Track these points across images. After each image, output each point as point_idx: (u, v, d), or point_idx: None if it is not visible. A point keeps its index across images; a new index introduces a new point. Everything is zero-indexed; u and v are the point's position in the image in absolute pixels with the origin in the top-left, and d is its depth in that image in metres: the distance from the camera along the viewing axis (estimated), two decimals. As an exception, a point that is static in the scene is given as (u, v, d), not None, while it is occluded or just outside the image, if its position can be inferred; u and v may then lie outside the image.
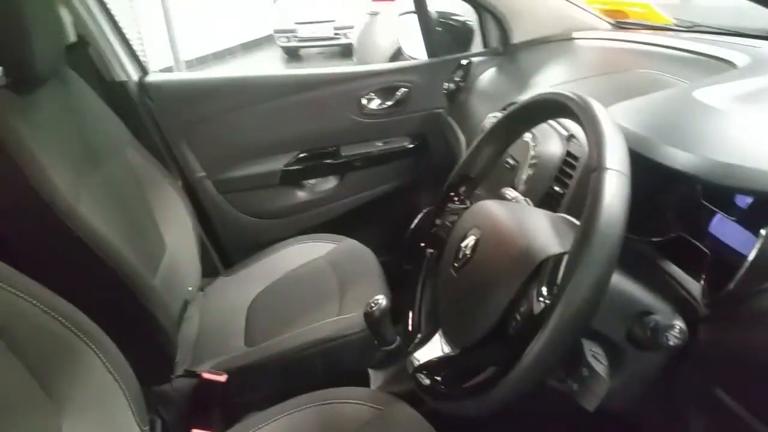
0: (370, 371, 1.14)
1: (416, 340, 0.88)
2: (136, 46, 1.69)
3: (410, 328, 0.92)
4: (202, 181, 1.75)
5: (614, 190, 0.57)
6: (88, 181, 1.18)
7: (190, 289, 1.50)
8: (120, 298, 1.10)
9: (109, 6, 1.59)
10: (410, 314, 0.94)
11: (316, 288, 1.44)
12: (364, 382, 1.21)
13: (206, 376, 1.18)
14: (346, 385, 1.06)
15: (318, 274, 1.50)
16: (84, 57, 1.54)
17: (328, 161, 1.86)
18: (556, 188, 0.97)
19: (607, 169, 0.58)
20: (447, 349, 0.82)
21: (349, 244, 1.61)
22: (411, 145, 1.90)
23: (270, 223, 1.86)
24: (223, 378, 1.17)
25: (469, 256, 0.76)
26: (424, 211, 1.90)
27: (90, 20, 1.55)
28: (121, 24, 1.64)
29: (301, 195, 1.88)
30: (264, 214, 1.85)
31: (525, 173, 1.06)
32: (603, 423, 0.76)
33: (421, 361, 0.83)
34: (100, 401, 0.85)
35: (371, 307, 1.04)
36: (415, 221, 1.85)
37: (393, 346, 1.06)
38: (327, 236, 1.66)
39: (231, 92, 1.72)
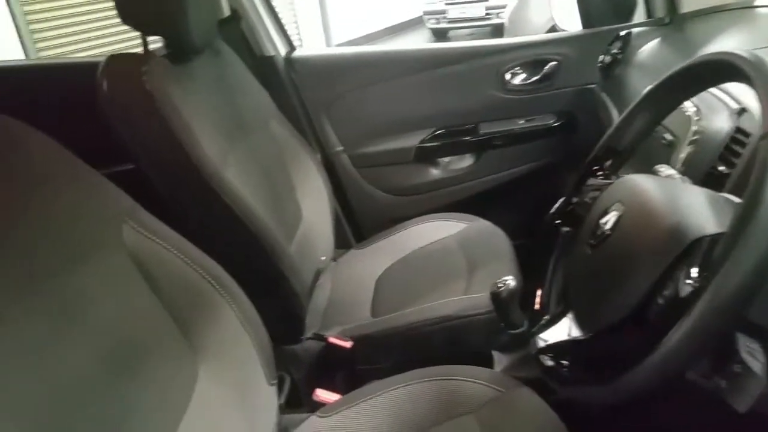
0: (495, 353, 1.10)
1: (543, 321, 0.83)
2: (291, 30, 1.75)
3: (537, 307, 0.86)
4: (340, 155, 1.79)
5: None
6: (234, 149, 1.25)
7: (323, 258, 1.55)
8: (257, 259, 1.15)
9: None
10: (539, 293, 0.88)
11: (444, 266, 1.42)
12: (486, 363, 1.17)
13: (333, 340, 1.20)
14: (467, 365, 1.03)
15: (447, 253, 1.47)
16: (236, 31, 1.63)
17: (465, 139, 1.80)
18: (721, 168, 0.84)
19: None
20: (576, 332, 0.76)
21: (482, 224, 1.56)
22: (556, 123, 1.78)
23: (403, 200, 1.85)
24: (348, 344, 1.20)
25: (608, 232, 0.69)
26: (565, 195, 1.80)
27: None
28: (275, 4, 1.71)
29: (436, 173, 1.85)
30: (397, 191, 1.85)
31: (684, 151, 0.94)
32: (749, 428, 0.66)
33: (548, 343, 0.78)
34: (233, 353, 0.89)
35: (499, 288, 1.00)
36: (556, 205, 1.76)
37: (520, 330, 1.02)
38: (459, 215, 1.62)
39: (372, 66, 1.72)
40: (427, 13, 8.58)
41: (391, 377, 1.01)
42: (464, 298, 1.25)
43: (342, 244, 1.74)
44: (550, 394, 0.93)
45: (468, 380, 0.97)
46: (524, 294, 1.00)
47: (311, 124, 1.75)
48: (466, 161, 1.85)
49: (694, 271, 0.55)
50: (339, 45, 8.31)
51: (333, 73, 1.73)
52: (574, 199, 0.90)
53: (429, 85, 1.71)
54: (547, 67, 1.71)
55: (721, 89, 0.94)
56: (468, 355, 1.07)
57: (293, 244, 1.37)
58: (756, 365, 0.54)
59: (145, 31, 1.13)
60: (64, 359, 0.66)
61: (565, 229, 0.91)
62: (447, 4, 8.30)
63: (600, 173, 0.87)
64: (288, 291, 1.21)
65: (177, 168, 1.08)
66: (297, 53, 1.71)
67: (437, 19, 8.50)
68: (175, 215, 1.00)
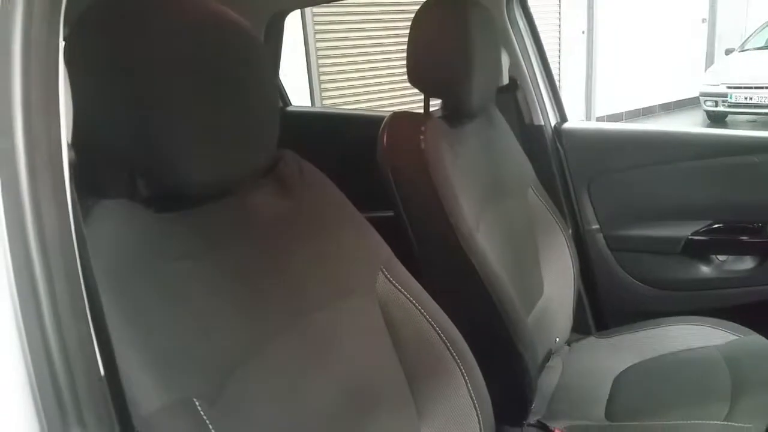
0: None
1: None
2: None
3: None
4: (595, 233, 1.69)
5: None
6: (488, 213, 1.25)
7: (557, 339, 1.45)
8: (494, 329, 1.12)
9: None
10: None
11: (702, 380, 1.23)
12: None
13: (558, 432, 1.11)
14: None
15: (707, 365, 1.27)
16: (510, 98, 1.66)
17: (747, 238, 1.57)
18: None
19: None
20: None
21: (756, 339, 1.33)
22: None
23: (661, 294, 1.67)
24: (577, 442, 1.09)
25: None
26: None
27: (525, 64, 1.66)
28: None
29: (705, 270, 1.63)
30: (655, 283, 1.67)
31: None
32: None
33: None
34: (457, 423, 0.87)
35: None
36: None
37: None
38: (728, 324, 1.40)
39: (644, 146, 1.62)
40: (704, 94, 7.88)
41: None
42: (724, 425, 1.05)
43: (581, 329, 1.62)
44: None
45: None
46: None
47: (569, 198, 1.68)
48: (746, 263, 1.60)
49: None
50: (598, 118, 8.08)
51: (602, 148, 1.66)
52: None
53: (711, 172, 1.54)
54: None
55: None
56: None
57: (530, 318, 1.32)
58: None
59: (429, 93, 1.20)
60: (311, 390, 0.69)
61: None
62: (729, 87, 7.53)
63: None
64: (520, 366, 1.16)
65: (434, 223, 1.12)
66: (567, 125, 1.67)
67: (716, 101, 7.75)
68: (421, 268, 1.03)
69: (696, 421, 1.07)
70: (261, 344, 0.65)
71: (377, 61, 5.62)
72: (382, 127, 1.17)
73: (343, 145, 1.46)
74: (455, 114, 1.26)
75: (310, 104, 5.11)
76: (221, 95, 0.61)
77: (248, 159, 0.67)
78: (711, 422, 1.07)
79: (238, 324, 0.63)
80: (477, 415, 0.87)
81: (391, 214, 1.17)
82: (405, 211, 1.16)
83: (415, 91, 1.22)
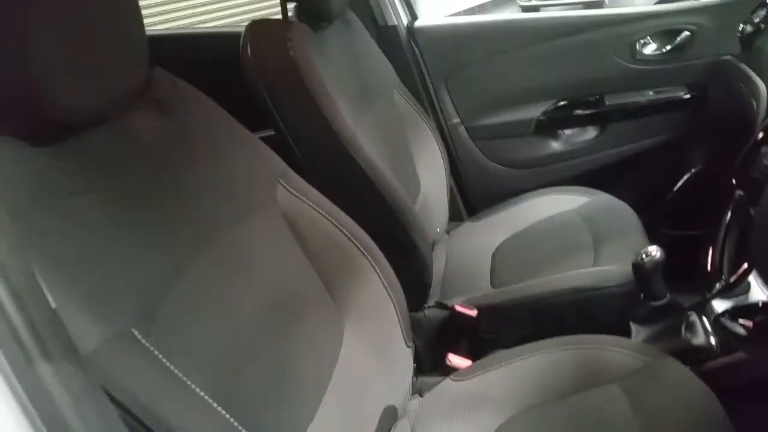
0: (633, 325, 1.07)
1: (720, 286, 0.80)
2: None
3: (710, 267, 0.84)
4: (456, 127, 1.77)
5: None
6: (362, 117, 1.27)
7: (438, 230, 1.55)
8: (388, 223, 1.17)
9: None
10: (710, 251, 0.86)
11: (567, 240, 1.39)
12: (622, 335, 1.14)
13: (459, 308, 1.21)
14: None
15: (569, 227, 1.44)
16: (363, 1, 1.64)
17: (589, 111, 1.75)
18: None
19: None
20: (760, 296, 0.74)
21: (605, 198, 1.52)
22: (687, 96, 1.69)
23: (520, 173, 1.82)
24: (473, 312, 1.20)
25: None
26: (692, 171, 1.72)
27: None
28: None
29: (556, 145, 1.80)
30: (515, 164, 1.82)
31: None
32: None
33: (725, 308, 0.76)
34: (376, 315, 0.92)
35: (642, 258, 0.97)
36: (681, 181, 1.68)
37: (662, 302, 0.99)
38: (580, 189, 1.58)
39: (495, 36, 1.69)
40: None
41: (529, 344, 1.01)
42: (596, 270, 1.22)
43: (455, 217, 1.74)
44: (694, 366, 0.91)
45: (611, 349, 0.95)
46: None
47: (429, 95, 1.74)
48: (589, 134, 1.79)
49: None
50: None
51: (455, 43, 1.71)
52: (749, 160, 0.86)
53: (554, 54, 1.66)
54: (680, 38, 1.62)
55: None
56: (599, 328, 1.05)
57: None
58: None
59: None
60: (238, 305, 0.70)
61: (739, 192, 0.87)
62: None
63: None
64: (416, 255, 1.23)
65: (316, 132, 1.12)
66: (419, 23, 1.70)
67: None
68: (314, 178, 1.04)
69: (569, 272, 1.23)
70: (180, 268, 0.64)
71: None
72: (242, 39, 1.11)
73: (199, 69, 1.38)
74: (313, 18, 1.23)
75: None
76: (82, 18, 0.59)
77: (118, 80, 0.66)
78: (582, 270, 1.23)
79: (154, 251, 0.63)
80: (393, 303, 0.93)
81: (270, 133, 1.14)
82: (284, 124, 1.13)
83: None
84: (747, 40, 1.54)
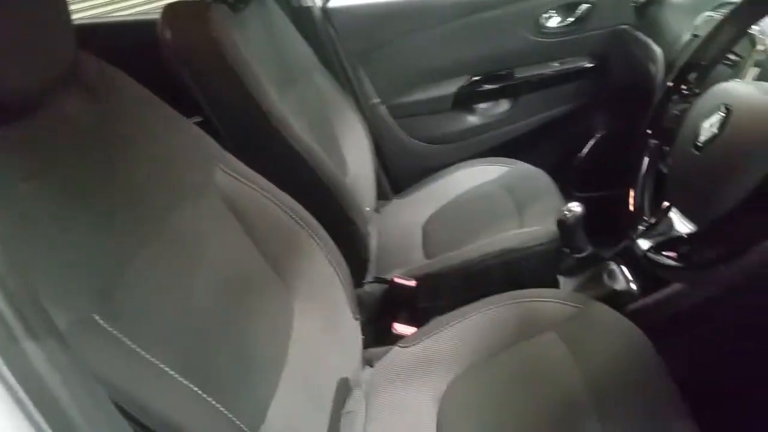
0: (560, 278, 1.15)
1: (642, 226, 0.89)
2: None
3: (632, 208, 0.93)
4: (377, 106, 1.80)
5: None
6: (286, 98, 1.26)
7: (367, 209, 1.57)
8: (324, 201, 1.18)
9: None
10: (631, 194, 0.94)
11: (492, 207, 1.46)
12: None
13: (397, 280, 1.24)
14: None
15: (492, 195, 1.50)
16: None
17: (501, 84, 1.82)
18: None
19: None
20: (685, 227, 0.84)
21: (522, 167, 1.59)
22: (590, 65, 1.80)
23: (441, 148, 1.87)
24: (412, 283, 1.24)
25: (716, 132, 0.76)
26: (598, 136, 1.84)
27: None
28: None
29: (473, 119, 1.86)
30: (436, 139, 1.87)
31: (750, 70, 0.98)
32: None
33: (651, 245, 0.86)
34: (323, 290, 0.94)
35: (565, 214, 1.04)
36: (589, 146, 1.79)
37: (585, 254, 1.08)
38: (499, 160, 1.65)
39: (408, 15, 1.72)
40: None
41: (467, 306, 1.06)
42: (522, 232, 1.29)
43: (382, 195, 1.76)
44: (622, 307, 0.99)
45: (544, 300, 1.01)
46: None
47: (348, 76, 1.75)
48: (503, 106, 1.87)
49: None
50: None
51: (369, 24, 1.72)
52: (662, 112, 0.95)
53: (465, 31, 1.71)
54: (580, 9, 1.72)
55: None
56: (530, 285, 1.12)
57: None
58: None
59: None
60: (189, 291, 0.70)
61: (654, 141, 0.95)
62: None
63: (685, 88, 0.92)
64: (354, 232, 1.25)
65: (246, 114, 1.10)
66: (333, 3, 1.70)
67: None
68: (250, 161, 1.03)
69: (497, 236, 1.29)
70: (131, 252, 0.64)
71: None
72: (160, 24, 1.07)
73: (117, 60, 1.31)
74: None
75: None
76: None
77: (46, 61, 0.63)
78: (509, 233, 1.29)
79: (104, 236, 0.62)
80: (339, 278, 0.95)
81: (197, 120, 1.11)
82: (211, 107, 1.11)
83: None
84: (641, 10, 1.66)
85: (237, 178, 0.86)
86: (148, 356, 0.56)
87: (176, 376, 0.58)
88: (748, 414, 0.95)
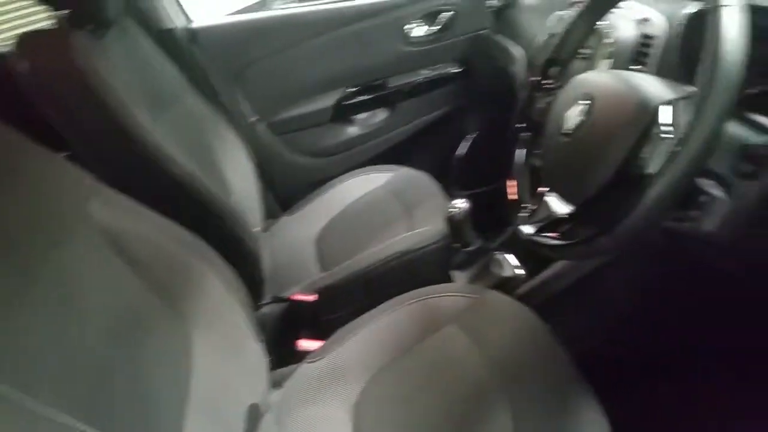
0: (453, 273, 1.20)
1: (523, 213, 0.96)
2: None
3: (511, 197, 1.02)
4: (256, 125, 1.77)
5: (735, 27, 0.60)
6: (159, 125, 1.21)
7: (255, 229, 1.54)
8: (208, 224, 1.14)
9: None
10: (509, 185, 1.01)
11: (382, 214, 1.49)
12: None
13: (297, 297, 1.23)
14: None
15: (380, 202, 1.54)
16: (136, 5, 1.55)
17: (376, 94, 1.86)
18: (635, 68, 1.00)
19: (723, 6, 0.61)
20: (563, 208, 0.90)
21: (405, 171, 1.64)
22: (456, 70, 1.89)
23: (325, 161, 1.88)
24: (313, 297, 1.23)
25: (582, 119, 0.83)
26: (469, 137, 1.94)
27: None
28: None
29: (353, 130, 1.89)
30: (318, 153, 1.87)
31: (602, 61, 1.08)
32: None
33: (540, 224, 0.93)
34: (220, 315, 0.90)
35: (453, 212, 1.09)
36: (461, 147, 1.88)
37: (474, 247, 1.15)
38: (382, 167, 1.69)
39: (277, 31, 1.71)
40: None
41: (368, 313, 1.07)
42: (413, 234, 1.32)
43: (270, 214, 1.74)
44: (512, 292, 1.06)
45: (441, 295, 1.05)
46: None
47: (218, 96, 1.71)
48: (381, 115, 1.91)
49: (668, 129, 0.69)
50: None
51: (237, 42, 1.69)
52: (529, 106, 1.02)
53: (336, 45, 1.74)
54: (442, 17, 1.80)
55: (620, 6, 1.09)
56: (426, 283, 1.15)
57: None
58: (718, 193, 0.71)
59: (56, 5, 1.05)
60: (76, 341, 0.65)
61: (525, 134, 1.03)
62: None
63: (546, 82, 0.99)
64: (246, 252, 1.22)
65: (118, 144, 1.04)
66: (197, 24, 1.65)
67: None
68: (127, 193, 0.97)
69: (390, 240, 1.32)
70: (9, 303, 0.58)
71: None
72: (15, 56, 0.98)
73: None
74: (88, 24, 1.13)
75: None
76: None
77: None
78: (402, 235, 1.32)
79: None
80: (235, 301, 0.92)
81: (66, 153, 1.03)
82: (78, 139, 1.03)
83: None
84: (499, 14, 1.77)
85: (114, 209, 0.81)
86: (38, 406, 0.51)
87: (77, 423, 0.53)
88: (640, 373, 1.04)
